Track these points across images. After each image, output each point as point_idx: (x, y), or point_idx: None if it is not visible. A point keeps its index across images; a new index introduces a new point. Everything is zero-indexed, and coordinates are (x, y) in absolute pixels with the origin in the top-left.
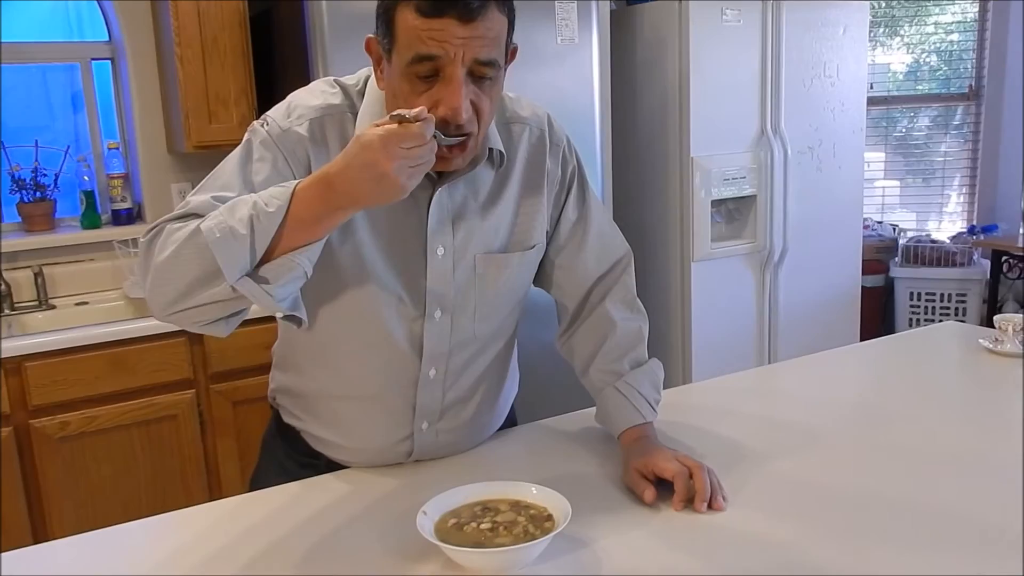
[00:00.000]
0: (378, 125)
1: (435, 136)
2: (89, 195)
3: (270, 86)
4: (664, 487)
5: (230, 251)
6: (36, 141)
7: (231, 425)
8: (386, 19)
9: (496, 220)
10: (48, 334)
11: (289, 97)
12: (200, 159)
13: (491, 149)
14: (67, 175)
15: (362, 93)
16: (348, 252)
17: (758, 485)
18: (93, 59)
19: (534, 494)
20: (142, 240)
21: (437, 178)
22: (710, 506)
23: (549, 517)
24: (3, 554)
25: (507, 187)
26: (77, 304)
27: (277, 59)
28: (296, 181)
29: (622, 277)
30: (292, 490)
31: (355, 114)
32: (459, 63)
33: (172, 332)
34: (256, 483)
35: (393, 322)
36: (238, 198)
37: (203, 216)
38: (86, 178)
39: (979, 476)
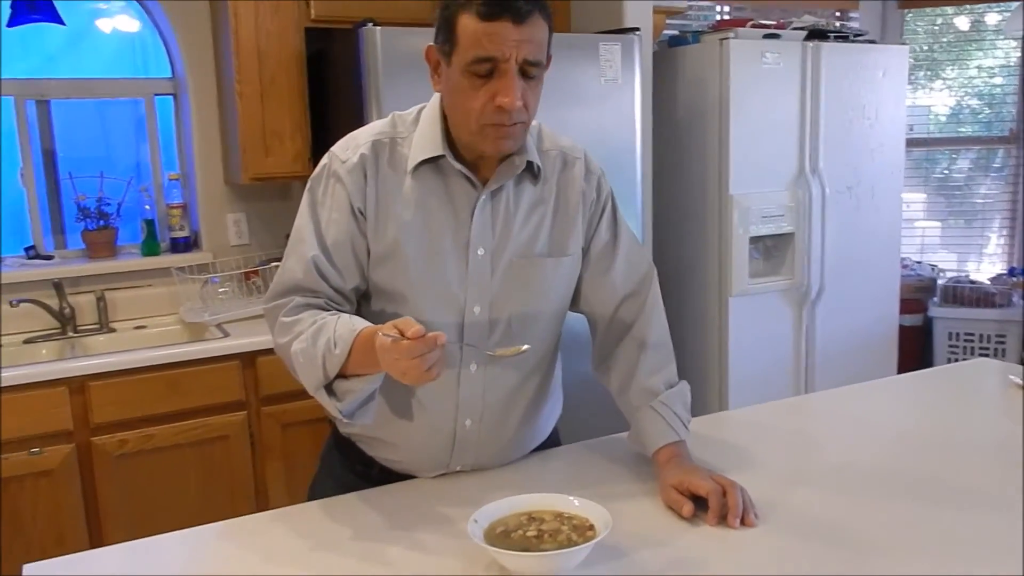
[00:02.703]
0: (384, 334)
1: (474, 347)
2: (150, 224)
3: (324, 122)
4: (699, 503)
5: (308, 373)
6: (101, 172)
7: (280, 447)
8: (447, 26)
9: (533, 229)
10: (110, 355)
11: (350, 134)
12: (255, 190)
13: (530, 162)
14: (128, 205)
15: (416, 121)
16: (390, 250)
17: (788, 506)
18: (156, 94)
19: (576, 506)
20: (265, 309)
21: (482, 186)
22: (742, 522)
23: (591, 527)
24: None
25: (544, 202)
26: (136, 328)
27: (331, 96)
28: (360, 327)
29: (649, 293)
30: (347, 500)
31: (405, 139)
32: (513, 62)
33: (226, 356)
34: (313, 494)
35: (437, 315)
36: (322, 324)
37: (302, 289)
38: (147, 207)
39: (998, 509)
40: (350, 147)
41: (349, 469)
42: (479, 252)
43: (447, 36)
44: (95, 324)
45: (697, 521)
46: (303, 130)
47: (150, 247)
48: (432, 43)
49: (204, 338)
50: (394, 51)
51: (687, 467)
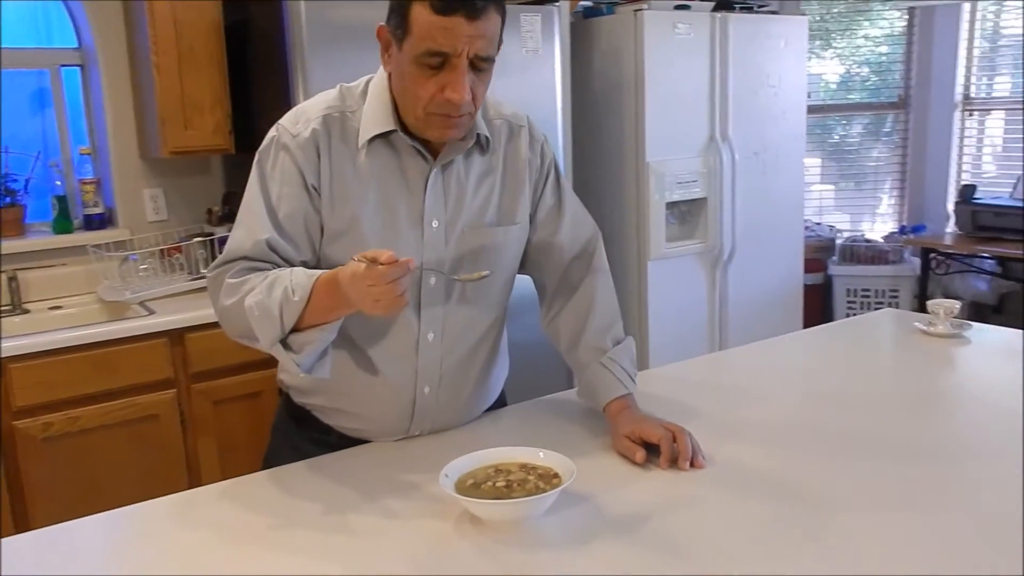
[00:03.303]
0: (357, 259)
1: (446, 276)
2: (62, 200)
3: (245, 94)
4: (651, 450)
5: (264, 326)
6: (6, 147)
7: (211, 424)
8: (401, 12)
9: (483, 199)
10: (33, 336)
11: (297, 106)
12: (172, 164)
13: (478, 135)
14: (36, 181)
15: (364, 94)
16: (347, 226)
17: (722, 454)
18: (63, 65)
19: (541, 457)
20: (208, 276)
21: (433, 160)
22: (692, 464)
23: (556, 475)
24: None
25: (493, 172)
26: (51, 308)
27: (251, 67)
28: (317, 273)
29: (595, 255)
30: (303, 468)
31: (355, 113)
32: (464, 57)
33: (154, 333)
34: (270, 465)
35: None
36: (275, 276)
37: (249, 259)
38: (58, 183)
39: (919, 451)
40: (300, 120)
41: (306, 437)
42: (433, 224)
43: (399, 22)
44: (8, 306)
45: (649, 466)
46: (223, 102)
47: (62, 225)
48: (384, 23)
49: (127, 316)
50: (319, 22)
51: (637, 417)
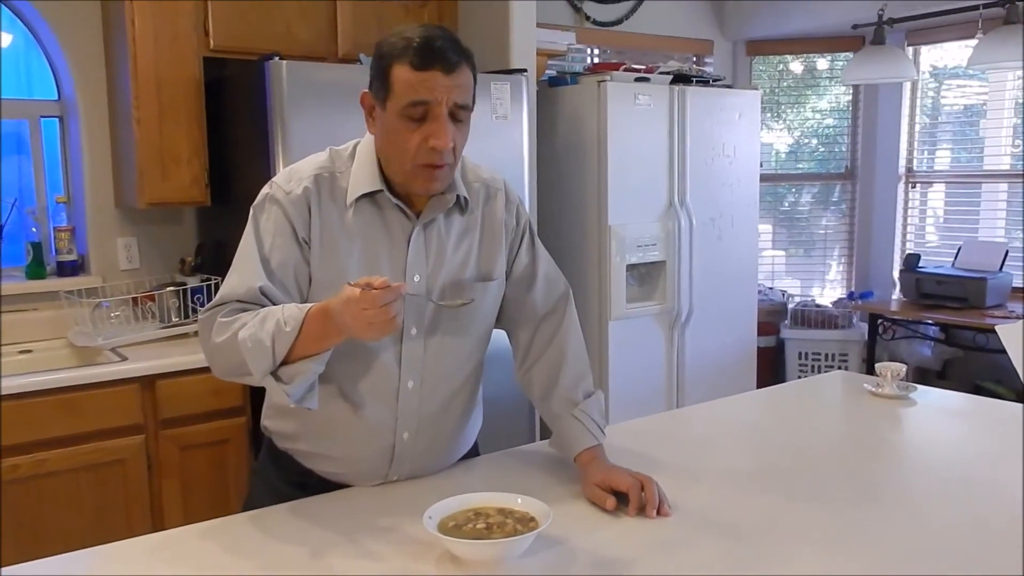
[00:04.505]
0: (352, 285)
1: (432, 302)
2: (36, 246)
3: (222, 148)
4: (620, 498)
5: (257, 358)
6: None
7: (177, 469)
8: (382, 75)
9: (463, 256)
10: (6, 378)
11: (289, 167)
12: (146, 215)
13: (458, 196)
14: (11, 227)
15: (352, 156)
16: (334, 277)
17: (687, 501)
18: (42, 116)
19: (519, 503)
20: (201, 318)
21: (416, 218)
22: (659, 512)
23: (533, 519)
24: None
25: (471, 231)
26: (21, 352)
27: (229, 123)
28: (308, 306)
29: (567, 311)
30: (283, 511)
31: (343, 174)
32: (444, 106)
33: (124, 379)
34: (250, 507)
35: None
36: (267, 311)
37: (242, 302)
38: (34, 230)
39: (869, 497)
40: (293, 179)
41: (285, 480)
42: (415, 279)
43: (382, 84)
44: None
45: (619, 513)
46: (200, 156)
47: (35, 270)
48: (367, 89)
49: (97, 362)
50: (298, 84)
51: (607, 466)
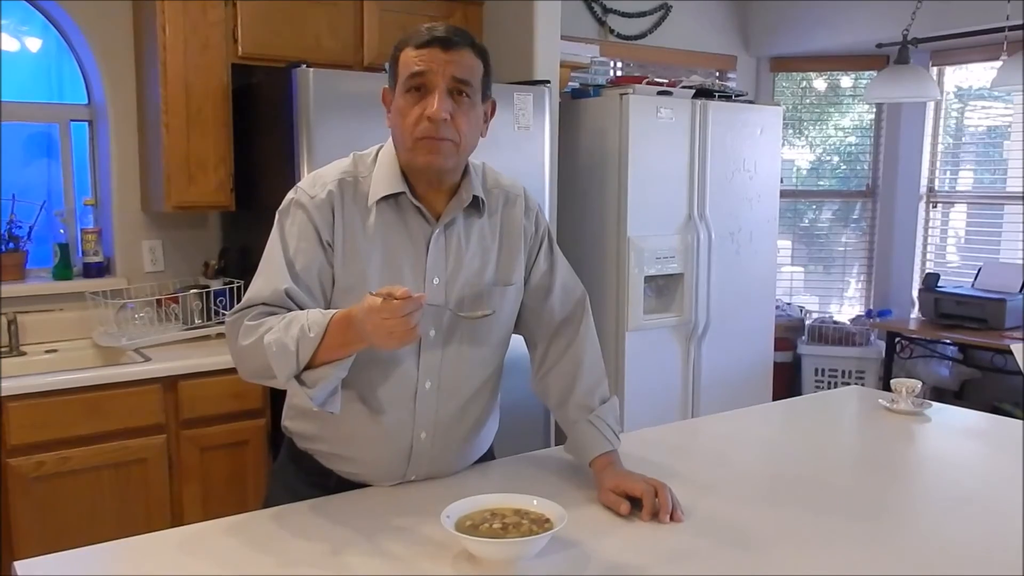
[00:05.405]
0: (374, 295)
1: (451, 311)
2: (63, 248)
3: (248, 154)
4: (634, 503)
5: (281, 362)
6: (13, 195)
7: (197, 470)
8: (393, 62)
9: (482, 260)
10: (29, 377)
11: (313, 172)
12: (171, 218)
13: (476, 197)
14: (39, 228)
15: (375, 161)
16: (356, 281)
17: (702, 508)
18: (72, 120)
19: (534, 504)
20: (227, 321)
21: (435, 221)
22: (671, 518)
23: (548, 520)
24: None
25: (491, 235)
26: (47, 351)
27: (255, 129)
28: (333, 312)
29: (584, 318)
30: (303, 508)
31: (365, 178)
32: (440, 78)
33: (147, 380)
34: (269, 506)
35: None
36: (292, 316)
37: (268, 304)
38: (62, 231)
39: (881, 511)
40: (317, 184)
41: (305, 481)
42: (435, 281)
43: (392, 70)
44: (5, 347)
45: (632, 518)
46: (227, 161)
47: (62, 271)
48: (385, 86)
49: (121, 362)
50: (325, 92)
51: (622, 472)
